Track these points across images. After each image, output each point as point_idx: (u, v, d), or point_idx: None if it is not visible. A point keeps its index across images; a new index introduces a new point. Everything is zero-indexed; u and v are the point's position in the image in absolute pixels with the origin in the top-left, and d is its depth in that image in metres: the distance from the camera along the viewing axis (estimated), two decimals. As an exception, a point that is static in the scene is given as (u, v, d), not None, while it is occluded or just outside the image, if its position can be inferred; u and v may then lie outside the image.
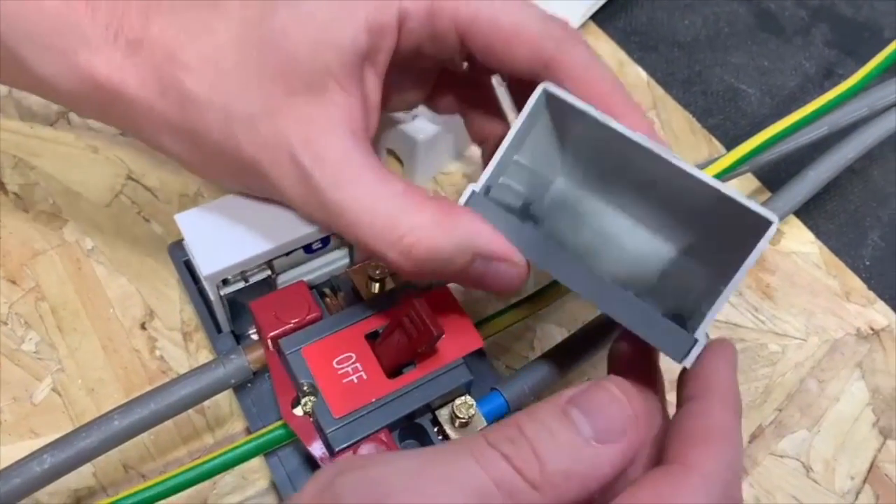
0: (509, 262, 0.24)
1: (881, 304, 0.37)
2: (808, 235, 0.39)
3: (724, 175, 0.35)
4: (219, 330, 0.30)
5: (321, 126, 0.24)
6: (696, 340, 0.23)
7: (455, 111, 0.30)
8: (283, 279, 0.30)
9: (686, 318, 0.28)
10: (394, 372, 0.27)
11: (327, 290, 0.30)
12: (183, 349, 0.32)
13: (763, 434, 0.32)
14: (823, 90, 0.48)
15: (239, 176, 0.26)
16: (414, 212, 0.23)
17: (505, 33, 0.25)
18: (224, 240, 0.27)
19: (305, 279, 0.30)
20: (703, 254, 0.28)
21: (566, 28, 0.25)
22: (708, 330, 0.23)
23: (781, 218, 0.35)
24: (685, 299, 0.29)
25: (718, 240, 0.26)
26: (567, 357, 0.30)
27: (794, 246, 0.39)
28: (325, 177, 0.24)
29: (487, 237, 0.24)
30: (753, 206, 0.23)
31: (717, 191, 0.23)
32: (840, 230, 0.41)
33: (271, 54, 0.23)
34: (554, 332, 0.35)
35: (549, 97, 0.25)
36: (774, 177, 0.41)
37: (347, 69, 0.24)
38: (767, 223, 0.23)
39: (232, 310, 0.30)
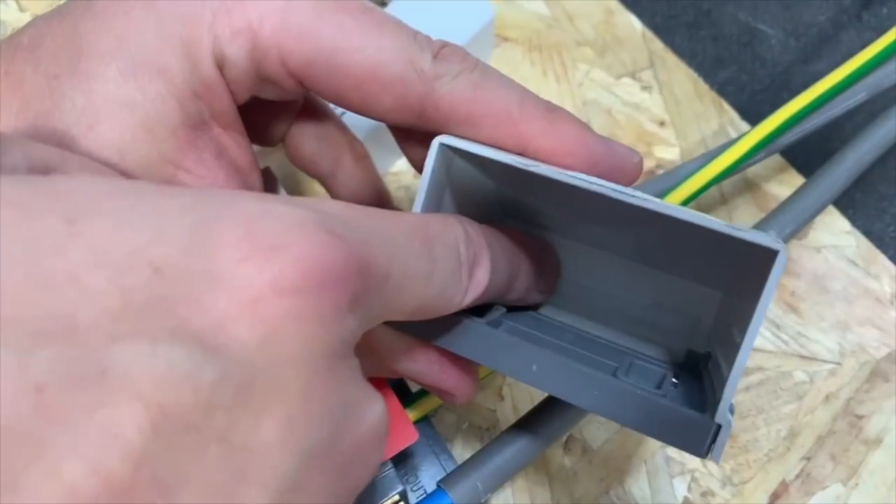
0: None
1: (934, 309, 0.30)
2: (843, 223, 0.32)
3: (743, 163, 0.28)
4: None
5: None
6: (718, 426, 0.17)
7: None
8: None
9: (700, 353, 0.22)
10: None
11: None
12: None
13: (787, 492, 0.26)
14: (861, 22, 0.40)
15: None
16: None
17: (355, 79, 0.18)
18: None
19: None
20: (701, 276, 0.22)
21: (441, 55, 0.18)
22: (732, 400, 0.17)
23: (816, 215, 0.28)
24: (694, 330, 0.23)
25: (716, 264, 0.21)
26: (546, 423, 0.23)
27: (824, 238, 0.32)
28: None
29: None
30: (750, 236, 0.16)
31: (697, 226, 0.17)
32: (882, 204, 0.34)
33: None
34: (528, 374, 0.28)
35: (448, 150, 0.18)
36: (803, 151, 0.34)
37: (185, 152, 0.18)
38: (772, 253, 0.16)
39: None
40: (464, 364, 0.20)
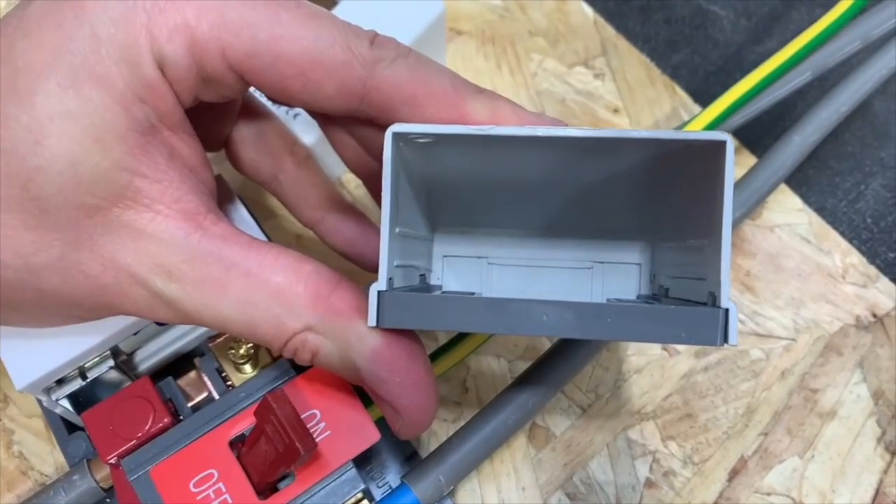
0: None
1: (885, 282, 0.31)
2: (795, 201, 0.33)
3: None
4: (70, 429, 0.25)
5: (153, 236, 0.18)
6: (727, 310, 0.17)
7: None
8: (142, 355, 0.25)
9: (651, 294, 0.23)
10: (267, 488, 0.21)
11: (195, 367, 0.25)
12: (46, 441, 0.27)
13: (746, 468, 0.27)
14: (812, 0, 0.41)
15: (84, 318, 0.21)
16: (298, 311, 0.19)
17: (297, 67, 0.18)
18: (41, 336, 0.22)
19: (168, 351, 0.25)
20: (626, 231, 0.23)
21: (377, 41, 0.19)
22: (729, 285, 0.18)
23: (766, 196, 0.29)
24: (638, 278, 0.24)
25: (640, 210, 0.22)
26: (506, 413, 0.24)
27: (778, 218, 0.32)
28: (189, 298, 0.18)
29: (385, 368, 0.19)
30: (690, 136, 0.18)
31: (644, 139, 0.18)
32: (834, 180, 0.34)
33: (34, 185, 0.17)
34: (492, 366, 0.29)
35: (402, 140, 0.18)
36: (756, 131, 0.34)
37: (138, 158, 0.18)
38: (719, 146, 0.17)
39: (87, 404, 0.24)
40: (426, 390, 0.20)
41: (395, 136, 0.18)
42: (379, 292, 0.18)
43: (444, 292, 0.23)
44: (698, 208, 0.19)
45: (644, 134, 0.18)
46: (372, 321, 0.18)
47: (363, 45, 0.19)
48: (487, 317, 0.18)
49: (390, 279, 0.18)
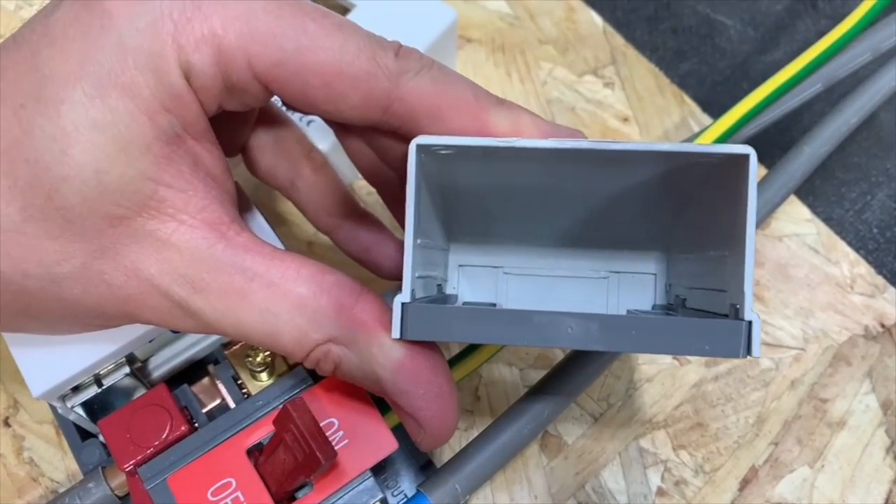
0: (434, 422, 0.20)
1: (892, 292, 0.31)
2: (804, 212, 0.33)
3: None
4: (83, 436, 0.25)
5: (177, 246, 0.18)
6: (749, 323, 0.17)
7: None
8: (155, 362, 0.25)
9: (667, 304, 0.23)
10: (285, 497, 0.21)
11: (208, 373, 0.25)
12: (57, 447, 0.27)
13: (756, 478, 0.27)
14: (816, 11, 0.41)
15: (104, 326, 0.21)
16: (321, 322, 0.19)
17: (322, 77, 0.18)
18: (58, 343, 0.21)
19: (182, 358, 0.25)
20: (640, 241, 0.23)
21: (401, 53, 0.19)
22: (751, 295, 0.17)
23: (777, 206, 0.29)
24: (654, 288, 0.24)
25: (654, 220, 0.22)
26: (521, 423, 0.24)
27: (786, 227, 0.32)
28: (212, 308, 0.18)
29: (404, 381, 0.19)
30: (714, 148, 0.18)
31: (670, 151, 0.18)
32: (840, 191, 0.34)
33: (59, 195, 0.17)
34: (504, 374, 0.29)
35: (424, 151, 0.18)
36: (764, 142, 0.34)
37: (163, 167, 0.18)
38: (742, 159, 0.17)
39: (101, 411, 0.24)
40: (448, 401, 0.20)
41: (419, 147, 0.18)
42: (403, 304, 0.18)
43: (464, 303, 0.23)
44: (718, 219, 0.19)
45: (670, 147, 0.18)
46: (396, 333, 0.18)
47: (388, 57, 0.19)
48: (512, 329, 0.18)
49: (413, 290, 0.18)
